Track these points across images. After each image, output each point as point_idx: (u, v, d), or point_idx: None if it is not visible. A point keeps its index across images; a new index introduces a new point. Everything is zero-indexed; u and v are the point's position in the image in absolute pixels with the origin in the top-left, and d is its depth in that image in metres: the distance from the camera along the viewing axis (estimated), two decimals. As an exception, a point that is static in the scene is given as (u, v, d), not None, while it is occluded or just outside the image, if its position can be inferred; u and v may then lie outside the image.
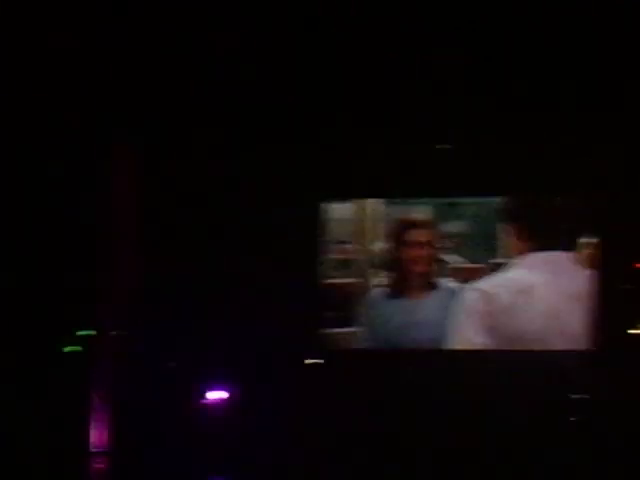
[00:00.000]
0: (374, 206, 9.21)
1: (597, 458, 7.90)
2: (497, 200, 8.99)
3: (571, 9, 7.80)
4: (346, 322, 9.21)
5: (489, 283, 8.84)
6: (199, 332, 8.76)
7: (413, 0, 7.86)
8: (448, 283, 9.00)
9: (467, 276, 8.95)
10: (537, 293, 8.76)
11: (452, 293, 8.95)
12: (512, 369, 8.74)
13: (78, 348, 8.66)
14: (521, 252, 8.80)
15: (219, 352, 8.68)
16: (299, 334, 8.91)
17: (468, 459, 8.09)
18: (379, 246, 9.15)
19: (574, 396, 8.68)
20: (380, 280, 9.16)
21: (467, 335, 8.86)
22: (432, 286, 9.00)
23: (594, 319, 8.71)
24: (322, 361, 9.03)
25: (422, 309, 8.99)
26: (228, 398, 8.72)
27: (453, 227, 9.08)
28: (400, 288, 9.08)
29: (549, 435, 8.28)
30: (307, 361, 9.01)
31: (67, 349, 8.66)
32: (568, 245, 8.79)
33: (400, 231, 9.09)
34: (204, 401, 8.67)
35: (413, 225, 9.11)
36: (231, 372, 8.70)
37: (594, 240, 8.73)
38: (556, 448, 8.13)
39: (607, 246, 8.67)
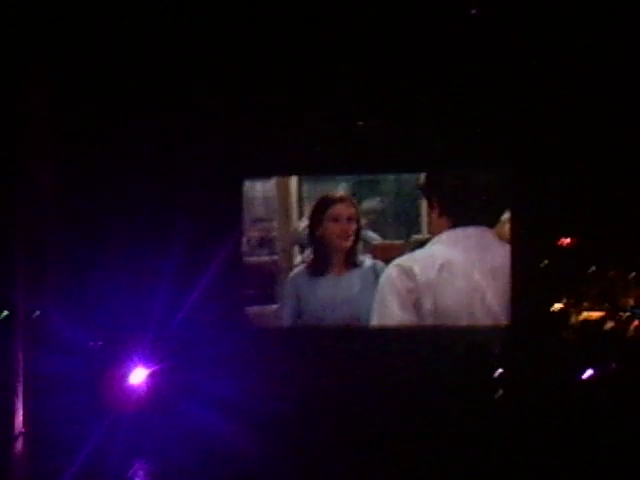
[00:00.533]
0: (295, 183, 9.21)
1: (517, 432, 8.01)
2: (418, 177, 9.05)
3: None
4: (268, 300, 9.19)
5: (410, 259, 8.90)
6: (119, 312, 8.61)
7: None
8: (369, 260, 9.03)
9: (389, 253, 9.00)
10: (457, 268, 8.84)
11: (374, 270, 8.98)
12: (434, 344, 8.84)
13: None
14: (441, 228, 8.89)
15: (141, 332, 8.55)
16: (222, 312, 8.84)
17: (394, 434, 8.12)
18: (303, 223, 9.14)
19: (496, 371, 8.79)
20: (303, 257, 9.15)
21: (390, 311, 8.91)
22: (354, 263, 9.02)
23: (513, 294, 8.84)
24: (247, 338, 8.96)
25: (344, 286, 9.00)
26: (150, 378, 8.59)
27: (374, 204, 9.10)
28: (323, 265, 9.07)
29: (472, 409, 8.35)
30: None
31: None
32: (490, 221, 8.89)
33: (323, 207, 9.09)
34: (126, 381, 8.53)
35: (336, 201, 9.12)
36: (154, 351, 8.58)
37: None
38: (479, 422, 8.20)
39: (523, 221, 8.80)
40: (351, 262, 9.01)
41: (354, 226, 9.02)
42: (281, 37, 8.36)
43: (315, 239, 9.06)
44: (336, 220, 9.04)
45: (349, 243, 9.03)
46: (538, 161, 8.71)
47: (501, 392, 8.64)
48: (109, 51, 8.41)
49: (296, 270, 9.12)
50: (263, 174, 9.16)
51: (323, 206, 9.07)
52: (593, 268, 9.29)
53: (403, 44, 8.39)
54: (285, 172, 9.16)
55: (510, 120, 8.68)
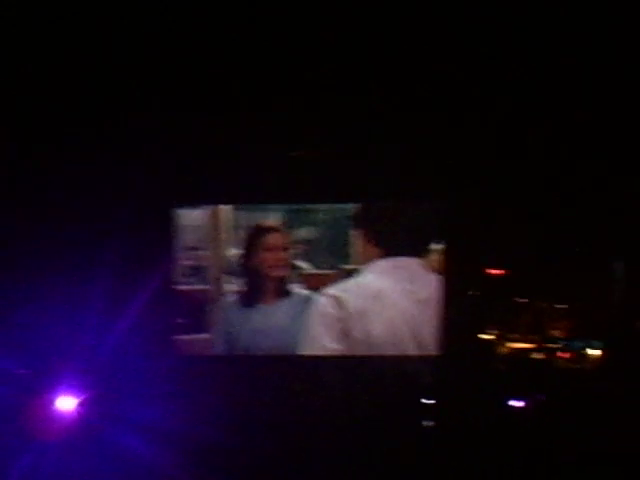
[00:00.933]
0: (227, 212, 9.15)
1: (446, 462, 8.03)
2: (348, 206, 9.10)
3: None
4: (199, 328, 9.14)
5: (340, 289, 8.91)
6: (48, 339, 8.52)
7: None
8: (300, 289, 9.04)
9: (319, 282, 9.01)
10: (387, 298, 8.88)
11: (305, 299, 8.98)
12: (364, 374, 8.86)
13: None
14: (372, 258, 8.91)
15: (71, 358, 8.47)
16: (152, 340, 8.78)
17: (322, 461, 8.10)
18: (232, 252, 9.12)
19: (425, 400, 8.84)
20: (233, 287, 9.12)
21: (320, 340, 8.90)
22: (285, 292, 9.01)
23: (443, 324, 8.89)
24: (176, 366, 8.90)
25: (275, 315, 8.98)
26: (79, 406, 8.49)
27: (305, 233, 9.12)
28: (253, 294, 9.04)
29: (402, 439, 8.37)
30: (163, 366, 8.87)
31: None
32: (419, 251, 8.96)
33: (255, 236, 9.06)
34: (54, 409, 8.42)
35: (269, 230, 9.08)
36: (84, 378, 8.50)
37: (443, 246, 8.95)
38: (408, 451, 8.22)
39: (453, 252, 8.87)
40: (282, 291, 9.01)
41: (286, 255, 9.02)
42: (213, 63, 8.40)
43: (248, 268, 9.04)
44: (270, 249, 9.04)
45: (283, 272, 9.03)
46: (470, 193, 8.83)
47: (431, 422, 8.69)
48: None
49: (227, 299, 9.08)
50: (193, 203, 9.14)
51: (256, 235, 9.05)
52: (522, 299, 9.41)
53: (337, 74, 8.48)
54: (216, 201, 9.13)
55: (444, 153, 8.78)
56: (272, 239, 9.07)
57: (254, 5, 7.83)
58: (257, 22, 8.03)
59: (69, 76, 8.22)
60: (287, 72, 8.41)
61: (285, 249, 9.06)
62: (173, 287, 9.07)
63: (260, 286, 9.04)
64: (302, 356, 8.92)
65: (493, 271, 9.26)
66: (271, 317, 8.98)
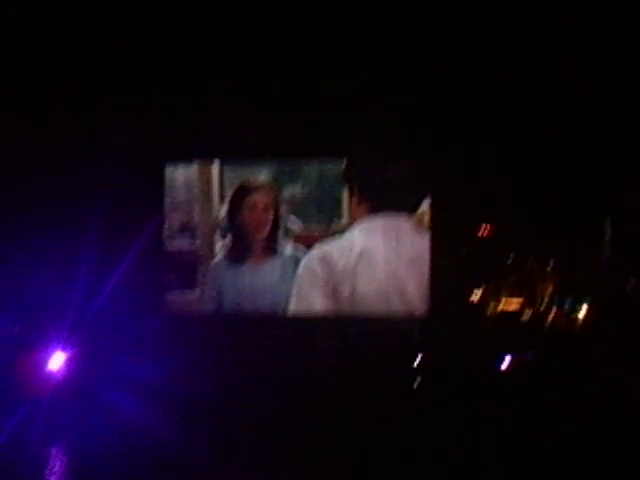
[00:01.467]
0: (218, 169, 9.16)
1: (436, 420, 8.05)
2: (338, 164, 9.08)
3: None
4: (189, 286, 9.16)
5: (328, 247, 8.90)
6: (38, 297, 8.55)
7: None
8: (290, 248, 9.04)
9: (309, 241, 9.00)
10: (376, 257, 8.86)
11: (294, 258, 8.98)
12: (353, 332, 8.88)
13: None
14: (361, 215, 8.90)
15: (60, 317, 8.49)
16: (142, 298, 8.80)
17: (311, 424, 8.12)
18: (223, 210, 9.11)
19: (415, 359, 8.85)
20: (224, 244, 9.13)
21: (308, 298, 8.92)
22: (274, 251, 9.00)
23: (432, 283, 8.89)
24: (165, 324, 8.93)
25: (263, 274, 8.98)
26: (68, 363, 8.52)
27: (296, 190, 9.10)
28: (242, 253, 9.04)
29: (391, 396, 8.38)
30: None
31: None
32: (409, 208, 8.93)
33: (241, 195, 9.04)
34: (44, 366, 8.45)
35: (253, 189, 9.07)
36: (73, 336, 8.52)
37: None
38: (398, 409, 8.24)
39: (444, 211, 8.85)
40: (271, 250, 9.00)
41: (270, 215, 8.99)
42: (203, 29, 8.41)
43: (234, 227, 9.04)
44: (252, 209, 9.02)
45: (264, 234, 9.00)
46: (457, 151, 8.79)
47: (420, 380, 8.70)
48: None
49: (217, 258, 9.08)
50: (184, 158, 9.11)
51: (241, 194, 9.03)
52: (512, 257, 9.40)
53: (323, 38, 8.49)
54: (206, 156, 9.10)
55: (430, 109, 8.75)
56: (255, 199, 9.04)
57: None
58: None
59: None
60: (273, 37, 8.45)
61: (268, 209, 9.04)
62: (163, 245, 9.09)
63: (248, 245, 9.04)
64: (291, 314, 8.94)
65: (482, 229, 9.26)
66: (259, 276, 8.98)
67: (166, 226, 9.15)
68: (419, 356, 8.80)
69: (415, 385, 8.65)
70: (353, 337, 8.87)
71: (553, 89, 8.45)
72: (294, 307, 8.93)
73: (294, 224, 9.02)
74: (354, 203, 8.91)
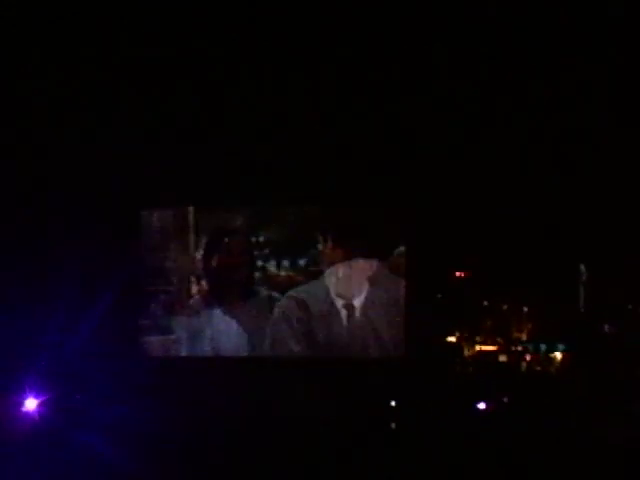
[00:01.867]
0: (193, 214, 9.21)
1: (410, 463, 8.04)
2: (314, 209, 9.13)
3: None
4: (166, 330, 9.17)
5: (304, 291, 8.96)
6: (12, 340, 8.53)
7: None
8: (266, 290, 9.08)
9: (285, 283, 9.05)
10: (351, 301, 8.93)
11: (270, 300, 9.02)
12: (329, 376, 8.88)
13: None
14: (337, 260, 8.97)
15: (34, 361, 8.47)
16: (117, 341, 8.79)
17: (284, 463, 8.10)
18: (200, 254, 9.15)
19: (392, 402, 8.85)
20: (200, 288, 9.15)
21: (283, 341, 8.95)
22: (249, 293, 9.04)
23: (407, 327, 8.93)
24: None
25: (240, 316, 9.02)
26: (41, 407, 8.49)
27: (271, 235, 9.14)
28: (218, 296, 9.07)
29: (366, 442, 8.37)
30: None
31: None
32: (382, 254, 8.99)
33: (217, 239, 9.10)
34: (18, 410, 8.41)
35: (229, 233, 9.12)
36: (46, 380, 8.50)
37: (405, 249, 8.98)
38: (373, 453, 8.22)
39: (417, 256, 8.91)
40: (247, 292, 9.04)
41: (246, 258, 9.05)
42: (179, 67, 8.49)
43: (210, 270, 9.08)
44: (228, 253, 9.07)
45: (241, 275, 9.05)
46: (432, 197, 8.88)
47: (394, 425, 8.71)
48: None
49: (192, 300, 9.11)
50: (160, 204, 9.17)
51: (217, 238, 9.09)
52: (486, 302, 9.46)
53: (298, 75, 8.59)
54: (181, 202, 9.17)
55: (406, 159, 8.85)
56: (233, 242, 9.10)
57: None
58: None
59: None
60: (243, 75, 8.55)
61: (244, 253, 9.09)
62: (139, 288, 9.10)
63: (223, 288, 9.07)
64: (266, 357, 8.95)
65: (458, 274, 9.33)
66: (235, 318, 9.01)
67: (141, 269, 9.16)
68: (393, 401, 8.83)
69: (390, 428, 8.68)
70: (328, 379, 8.87)
71: (524, 138, 8.56)
72: (269, 349, 8.96)
73: (270, 267, 9.06)
74: (328, 248, 8.97)
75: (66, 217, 8.80)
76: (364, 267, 8.92)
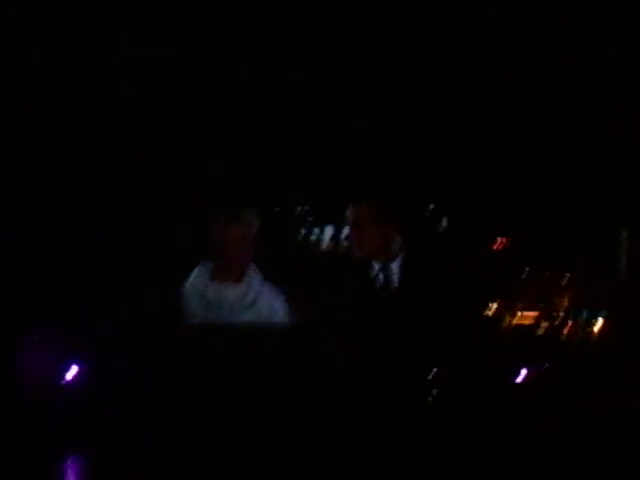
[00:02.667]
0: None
1: (452, 433, 8.02)
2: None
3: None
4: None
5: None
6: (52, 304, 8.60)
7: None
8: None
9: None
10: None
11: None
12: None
13: None
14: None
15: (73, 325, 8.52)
16: (152, 312, 8.83)
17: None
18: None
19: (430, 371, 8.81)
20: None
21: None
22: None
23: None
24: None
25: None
26: (84, 374, 8.49)
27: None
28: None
29: (407, 410, 8.35)
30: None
31: None
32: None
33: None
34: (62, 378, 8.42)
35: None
36: (86, 347, 8.52)
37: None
38: (414, 422, 8.21)
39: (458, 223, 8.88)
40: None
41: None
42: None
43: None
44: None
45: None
46: (472, 161, 8.84)
47: (435, 392, 8.66)
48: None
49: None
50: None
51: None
52: (527, 269, 9.40)
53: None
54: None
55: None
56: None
57: None
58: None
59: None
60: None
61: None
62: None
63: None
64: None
65: (497, 241, 9.29)
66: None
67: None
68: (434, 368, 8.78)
69: (431, 397, 8.63)
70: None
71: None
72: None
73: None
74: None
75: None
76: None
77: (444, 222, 9.08)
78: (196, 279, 9.13)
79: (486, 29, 8.42)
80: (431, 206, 8.90)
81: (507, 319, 9.32)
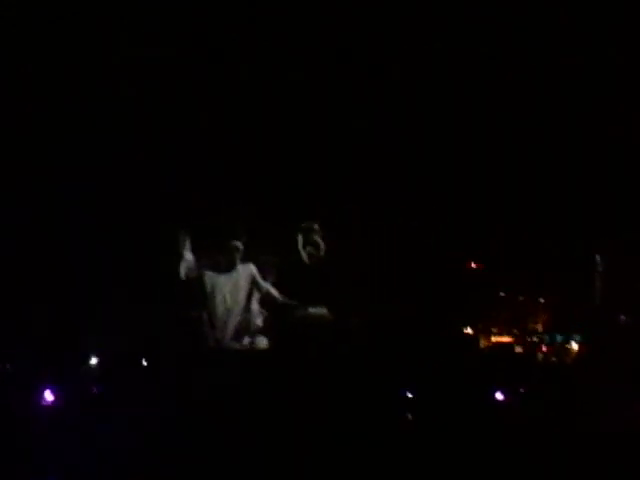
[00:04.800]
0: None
1: (426, 456, 8.02)
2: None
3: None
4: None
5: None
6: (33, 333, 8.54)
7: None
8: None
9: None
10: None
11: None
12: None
13: None
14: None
15: (54, 353, 8.47)
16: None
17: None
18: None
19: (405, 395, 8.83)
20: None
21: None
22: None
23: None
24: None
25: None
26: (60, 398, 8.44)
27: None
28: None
29: (381, 434, 8.35)
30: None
31: None
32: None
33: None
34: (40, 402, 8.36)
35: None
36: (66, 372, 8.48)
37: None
38: (391, 444, 8.21)
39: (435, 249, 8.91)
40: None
41: None
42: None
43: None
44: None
45: None
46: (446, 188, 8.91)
47: (410, 416, 8.67)
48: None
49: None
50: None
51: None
52: (502, 294, 9.47)
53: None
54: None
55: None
56: None
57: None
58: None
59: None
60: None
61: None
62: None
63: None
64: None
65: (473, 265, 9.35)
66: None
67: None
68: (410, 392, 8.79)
69: (407, 420, 8.63)
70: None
71: (535, 124, 8.60)
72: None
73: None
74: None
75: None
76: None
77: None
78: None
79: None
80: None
81: (482, 343, 9.38)
